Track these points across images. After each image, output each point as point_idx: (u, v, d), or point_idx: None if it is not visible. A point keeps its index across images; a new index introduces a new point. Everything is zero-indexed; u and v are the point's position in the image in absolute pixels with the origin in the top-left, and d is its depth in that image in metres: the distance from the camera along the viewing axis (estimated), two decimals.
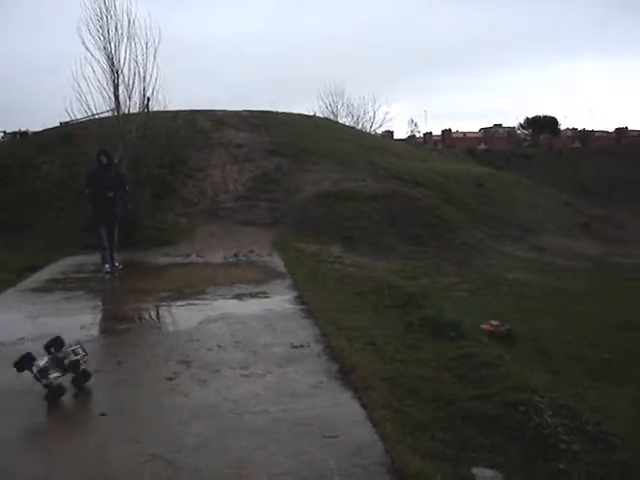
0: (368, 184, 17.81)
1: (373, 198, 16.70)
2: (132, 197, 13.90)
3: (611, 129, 65.68)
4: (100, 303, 9.21)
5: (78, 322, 7.79)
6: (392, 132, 54.48)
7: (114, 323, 8.07)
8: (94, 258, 11.97)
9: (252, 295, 8.91)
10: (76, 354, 5.18)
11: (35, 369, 4.93)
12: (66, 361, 5.19)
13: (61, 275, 11.25)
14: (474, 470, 4.08)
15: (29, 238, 14.97)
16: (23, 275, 11.10)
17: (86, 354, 5.37)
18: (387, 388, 5.36)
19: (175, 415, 4.85)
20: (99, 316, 8.39)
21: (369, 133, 40.26)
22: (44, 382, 4.99)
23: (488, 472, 4.07)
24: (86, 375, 5.36)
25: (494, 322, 8.35)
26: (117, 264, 11.54)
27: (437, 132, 66.72)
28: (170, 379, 5.61)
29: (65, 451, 4.33)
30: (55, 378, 5.09)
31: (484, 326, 8.18)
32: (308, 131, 22.32)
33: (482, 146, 54.33)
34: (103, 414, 4.87)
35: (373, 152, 21.96)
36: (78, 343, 5.25)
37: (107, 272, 11.21)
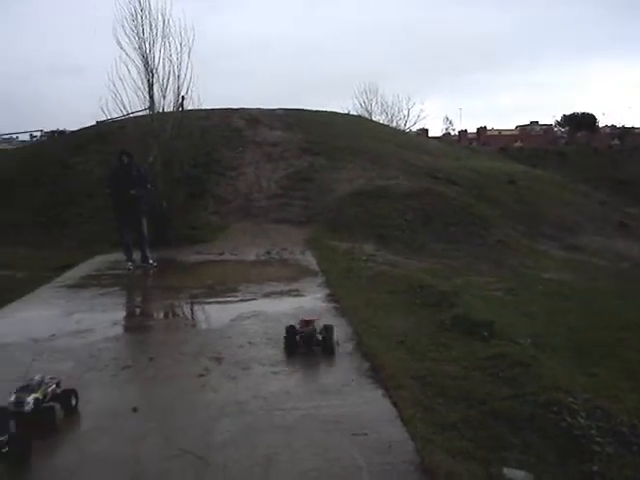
0: (402, 182, 17.73)
1: (406, 196, 16.63)
2: (165, 195, 14.05)
3: None
4: (133, 300, 9.31)
5: (111, 318, 7.90)
6: (426, 130, 54.20)
7: (146, 320, 8.17)
8: None
9: (284, 293, 8.93)
10: (47, 384, 4.88)
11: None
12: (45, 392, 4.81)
13: (95, 272, 11.41)
14: (505, 470, 4.04)
15: (64, 236, 15.23)
16: (58, 272, 11.28)
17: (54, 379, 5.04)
18: (418, 387, 5.33)
19: (205, 411, 4.89)
20: (132, 312, 8.48)
21: (403, 131, 40.06)
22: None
23: (519, 473, 4.03)
24: (66, 394, 5.01)
25: None
26: (151, 261, 11.68)
27: (472, 130, 66.25)
28: (201, 375, 5.65)
29: (99, 445, 4.38)
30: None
31: None
32: (342, 129, 22.29)
33: (517, 144, 53.70)
34: (135, 409, 4.92)
35: (407, 150, 21.87)
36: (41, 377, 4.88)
37: (129, 269, 11.37)
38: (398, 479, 3.74)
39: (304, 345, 6.28)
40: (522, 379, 5.48)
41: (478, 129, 66.35)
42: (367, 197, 16.59)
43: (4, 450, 3.90)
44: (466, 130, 65.97)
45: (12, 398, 4.58)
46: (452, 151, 27.76)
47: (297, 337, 6.29)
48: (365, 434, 4.31)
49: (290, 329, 6.36)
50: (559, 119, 66.44)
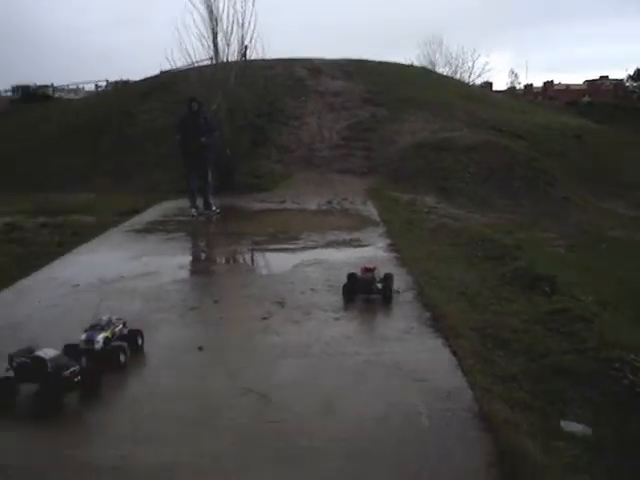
0: (465, 135, 17.46)
1: (470, 149, 16.39)
2: (230, 143, 14.19)
3: None
4: (198, 245, 9.51)
5: (177, 262, 8.13)
6: (491, 83, 52.77)
7: (211, 264, 8.38)
8: None
9: (345, 242, 9.00)
10: (114, 323, 5.03)
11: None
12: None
13: (161, 218, 11.69)
14: (562, 423, 4.06)
15: (130, 183, 15.58)
16: (125, 217, 11.60)
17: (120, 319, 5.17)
18: (478, 338, 5.36)
19: (268, 353, 5.03)
20: (197, 257, 8.68)
21: (467, 83, 39.19)
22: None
23: (577, 426, 4.05)
24: (133, 333, 5.14)
25: None
26: (214, 208, 11.89)
27: (538, 84, 64.24)
28: (264, 318, 5.80)
29: (166, 380, 4.58)
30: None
31: None
32: (405, 80, 21.95)
33: (586, 99, 51.86)
34: (201, 348, 5.10)
35: (471, 102, 21.44)
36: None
37: (193, 215, 11.59)
38: (457, 425, 3.80)
39: (364, 292, 6.39)
40: (583, 335, 5.45)
41: (544, 83, 64.18)
42: (430, 149, 16.42)
43: (76, 380, 4.13)
44: (532, 84, 63.93)
45: (83, 336, 4.80)
46: (517, 105, 27.10)
47: (358, 284, 6.39)
48: (425, 380, 4.38)
49: (351, 276, 6.45)
50: (631, 73, 63.78)
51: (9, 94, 36.61)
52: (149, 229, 10.57)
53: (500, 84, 61.48)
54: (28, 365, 4.15)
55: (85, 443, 3.75)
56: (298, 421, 3.89)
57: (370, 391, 4.30)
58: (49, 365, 4.08)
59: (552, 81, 65.22)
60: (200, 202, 11.88)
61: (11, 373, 4.20)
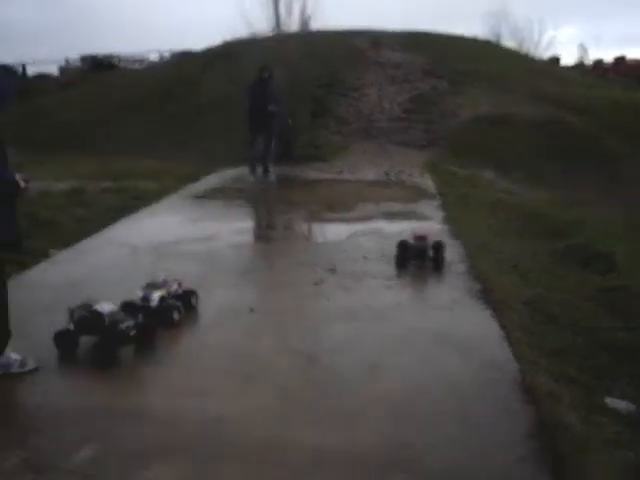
0: (527, 110, 17.12)
1: (531, 124, 16.08)
2: (291, 114, 14.26)
3: None
4: (254, 212, 9.64)
5: (234, 227, 8.29)
6: (558, 58, 51.29)
7: (267, 231, 8.51)
8: None
9: (400, 213, 9.00)
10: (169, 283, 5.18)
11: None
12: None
13: (220, 185, 11.87)
14: (607, 399, 4.06)
15: (191, 150, 15.83)
16: (186, 183, 11.84)
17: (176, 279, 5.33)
18: (527, 312, 5.36)
19: (317, 317, 5.16)
20: (253, 223, 8.83)
21: (533, 57, 38.21)
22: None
23: (621, 403, 4.03)
24: (187, 293, 5.32)
25: None
26: (273, 177, 12.01)
27: (609, 59, 62.14)
28: (316, 284, 5.90)
29: (216, 338, 4.74)
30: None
31: None
32: (467, 53, 21.55)
33: None
34: (252, 310, 5.24)
35: (535, 77, 20.92)
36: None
37: (252, 182, 11.73)
38: (499, 394, 3.83)
39: (416, 259, 6.46)
40: (637, 312, 5.40)
41: (616, 58, 61.89)
42: (490, 123, 16.18)
43: (131, 334, 4.32)
44: (602, 59, 61.86)
45: (139, 294, 4.99)
46: (584, 80, 26.33)
47: (410, 252, 6.48)
48: (470, 350, 4.41)
49: (402, 243, 6.52)
50: None
51: (78, 64, 37.35)
52: (208, 195, 10.76)
53: (568, 59, 59.66)
54: (87, 319, 4.35)
55: (136, 393, 3.95)
56: (341, 382, 3.98)
57: (415, 357, 4.36)
58: (106, 319, 4.27)
59: (624, 56, 62.90)
60: (259, 169, 12.02)
61: (71, 326, 4.42)
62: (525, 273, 6.53)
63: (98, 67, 30.55)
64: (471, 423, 3.53)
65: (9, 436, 3.44)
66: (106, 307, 4.37)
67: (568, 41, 73.73)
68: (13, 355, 4.20)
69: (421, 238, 6.53)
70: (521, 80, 19.72)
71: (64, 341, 4.38)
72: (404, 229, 7.74)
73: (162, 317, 4.86)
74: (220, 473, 3.10)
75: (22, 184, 3.99)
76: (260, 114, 11.62)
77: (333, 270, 6.31)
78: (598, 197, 12.93)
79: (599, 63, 60.77)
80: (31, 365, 4.18)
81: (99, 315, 4.30)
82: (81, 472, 3.09)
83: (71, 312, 4.45)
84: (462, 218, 8.68)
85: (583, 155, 15.10)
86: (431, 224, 8.25)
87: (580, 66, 55.94)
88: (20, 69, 30.79)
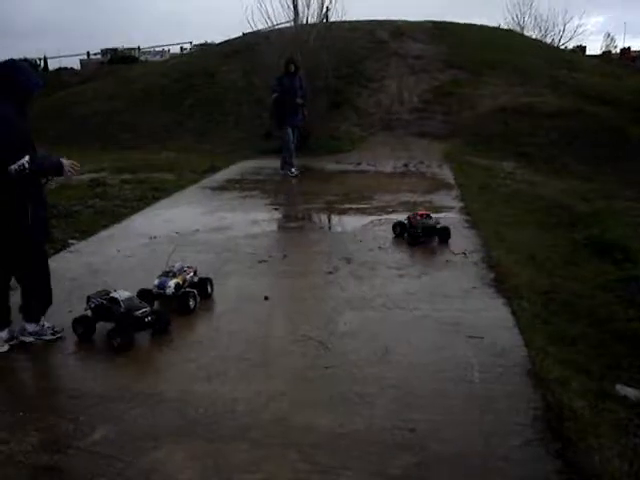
0: (549, 100, 16.98)
1: (553, 115, 15.93)
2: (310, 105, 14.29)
3: None
4: (272, 202, 9.69)
5: (251, 218, 8.38)
6: (584, 47, 50.70)
7: (284, 221, 8.57)
8: (269, 162, 12.73)
9: (418, 203, 8.98)
10: (185, 271, 5.29)
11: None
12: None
13: (239, 176, 11.96)
14: (617, 386, 4.06)
15: (210, 142, 15.96)
16: (204, 175, 11.95)
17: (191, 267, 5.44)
18: (540, 301, 5.37)
19: (330, 304, 5.20)
20: (270, 214, 8.86)
21: (557, 47, 37.84)
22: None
23: (632, 390, 4.04)
24: (203, 281, 5.43)
25: None
26: (294, 169, 12.03)
27: (637, 47, 61.27)
28: (330, 273, 5.96)
29: (230, 325, 4.81)
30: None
31: None
32: (489, 43, 21.38)
33: None
34: (267, 298, 5.31)
35: (558, 67, 20.71)
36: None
37: (293, 174, 11.81)
38: (507, 380, 3.85)
39: (425, 236, 6.92)
40: None
41: None
42: (510, 114, 16.07)
43: (147, 320, 4.41)
44: (629, 48, 61.00)
45: (156, 282, 5.11)
46: (610, 70, 26.02)
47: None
48: (481, 337, 4.43)
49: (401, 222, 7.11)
50: None
51: (99, 57, 37.71)
52: (226, 187, 10.85)
53: (594, 48, 58.78)
54: (104, 305, 4.45)
55: (151, 377, 4.04)
56: (352, 368, 4.04)
57: (425, 344, 4.40)
58: (122, 305, 4.36)
59: None
60: (292, 162, 12.00)
61: (89, 312, 4.53)
62: (541, 263, 6.53)
63: (119, 60, 30.79)
64: (479, 408, 3.56)
65: (27, 418, 3.55)
66: (123, 294, 4.46)
67: (596, 30, 72.54)
68: (46, 323, 4.55)
69: (423, 216, 6.93)
70: (543, 70, 19.55)
71: (82, 327, 4.50)
72: None
73: (178, 304, 4.95)
74: (230, 454, 3.18)
75: (67, 165, 4.25)
76: (289, 107, 11.67)
77: (347, 259, 6.36)
78: (620, 188, 12.83)
79: (626, 51, 59.86)
80: (61, 333, 4.55)
81: (115, 302, 4.39)
82: (96, 452, 3.19)
83: (88, 299, 4.57)
84: (480, 209, 8.67)
85: (606, 145, 14.94)
86: (448, 214, 8.24)
87: (606, 55, 55.21)
88: (42, 63, 31.12)
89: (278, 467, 3.06)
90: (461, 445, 3.22)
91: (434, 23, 22.70)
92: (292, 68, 11.77)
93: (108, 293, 4.53)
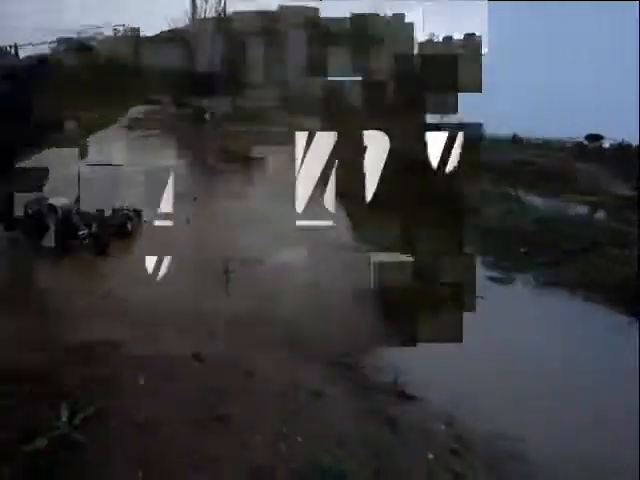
0: None
1: None
2: None
3: None
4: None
5: None
6: None
7: None
8: None
9: None
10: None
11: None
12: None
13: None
14: None
15: None
16: None
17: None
18: None
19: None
20: None
21: None
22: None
23: None
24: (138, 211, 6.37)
25: None
26: None
27: None
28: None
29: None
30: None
31: None
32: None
33: None
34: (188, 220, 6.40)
35: None
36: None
37: None
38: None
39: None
40: None
41: None
42: None
43: (85, 242, 5.20)
44: None
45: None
46: None
47: None
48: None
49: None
50: None
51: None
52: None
53: None
54: (41, 212, 5.15)
55: (90, 278, 4.93)
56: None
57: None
58: (59, 211, 5.10)
59: None
60: None
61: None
62: None
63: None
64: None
65: None
66: (60, 200, 5.17)
67: None
68: None
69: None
70: None
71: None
72: None
73: (115, 228, 5.85)
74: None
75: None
76: None
77: None
78: None
79: None
80: None
81: (53, 208, 5.10)
82: None
83: (25, 206, 5.26)
84: None
85: None
86: None
87: None
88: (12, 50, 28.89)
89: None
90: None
91: None
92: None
93: (47, 199, 5.38)
